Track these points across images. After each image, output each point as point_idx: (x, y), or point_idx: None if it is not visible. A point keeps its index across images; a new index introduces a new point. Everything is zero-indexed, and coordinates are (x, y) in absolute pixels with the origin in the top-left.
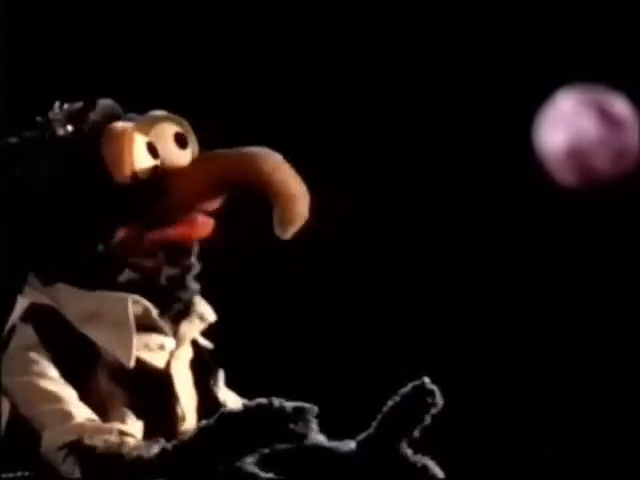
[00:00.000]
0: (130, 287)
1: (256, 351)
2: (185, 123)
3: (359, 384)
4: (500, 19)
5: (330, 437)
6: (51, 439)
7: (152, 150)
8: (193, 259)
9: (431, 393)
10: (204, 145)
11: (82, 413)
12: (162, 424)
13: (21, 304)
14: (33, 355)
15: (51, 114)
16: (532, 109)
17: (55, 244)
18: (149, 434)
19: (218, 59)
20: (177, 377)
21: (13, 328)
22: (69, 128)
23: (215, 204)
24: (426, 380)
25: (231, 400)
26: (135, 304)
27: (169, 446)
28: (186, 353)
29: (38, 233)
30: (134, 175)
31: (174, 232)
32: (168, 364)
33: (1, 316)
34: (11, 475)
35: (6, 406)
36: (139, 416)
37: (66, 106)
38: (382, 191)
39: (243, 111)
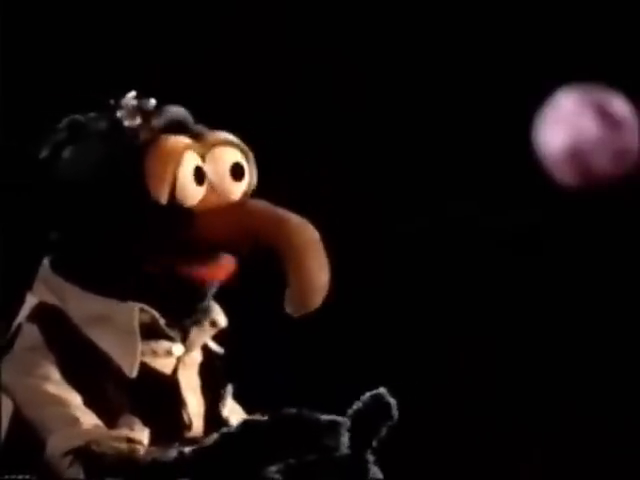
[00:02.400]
0: (142, 295)
1: (268, 355)
2: (249, 153)
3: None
4: (500, 19)
5: None
6: (56, 444)
7: (199, 175)
8: (208, 300)
9: (387, 405)
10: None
11: (88, 419)
12: (168, 430)
13: (29, 302)
14: (38, 357)
15: (124, 101)
16: (532, 109)
17: (76, 240)
18: (155, 441)
19: (221, 56)
20: (184, 383)
21: (19, 327)
22: (138, 120)
23: (238, 250)
24: (382, 391)
25: (236, 415)
26: (142, 312)
27: (187, 450)
28: (195, 358)
29: (64, 223)
30: (171, 197)
31: (193, 271)
32: (175, 370)
33: (5, 313)
34: (12, 477)
35: (8, 406)
36: (144, 422)
37: (141, 100)
38: (382, 192)
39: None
